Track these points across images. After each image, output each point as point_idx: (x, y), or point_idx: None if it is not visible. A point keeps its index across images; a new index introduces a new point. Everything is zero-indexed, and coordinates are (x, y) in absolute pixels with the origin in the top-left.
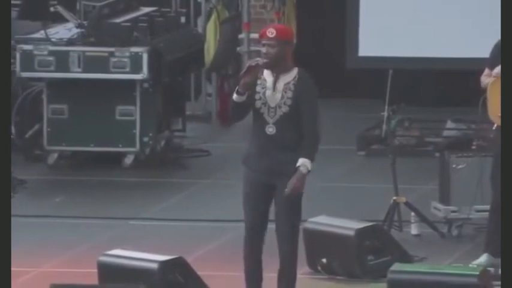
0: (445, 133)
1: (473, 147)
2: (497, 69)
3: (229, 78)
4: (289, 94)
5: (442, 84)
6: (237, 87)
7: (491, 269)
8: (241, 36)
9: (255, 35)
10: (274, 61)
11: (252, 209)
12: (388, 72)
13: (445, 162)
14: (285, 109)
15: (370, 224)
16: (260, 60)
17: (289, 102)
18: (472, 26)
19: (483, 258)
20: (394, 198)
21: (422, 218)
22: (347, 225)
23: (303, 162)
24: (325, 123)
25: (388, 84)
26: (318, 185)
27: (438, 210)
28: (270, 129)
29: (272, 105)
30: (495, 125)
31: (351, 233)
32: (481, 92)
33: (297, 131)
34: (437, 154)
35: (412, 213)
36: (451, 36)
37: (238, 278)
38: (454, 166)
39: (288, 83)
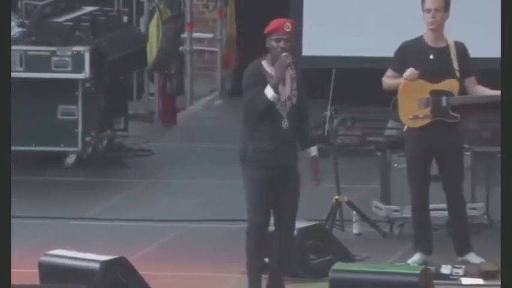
0: (387, 132)
1: None
2: (408, 72)
3: (172, 77)
4: (295, 85)
5: None
6: (272, 88)
7: (432, 268)
8: (183, 35)
9: (197, 35)
10: (292, 54)
11: (264, 206)
12: (331, 72)
13: (387, 161)
14: (294, 100)
15: (312, 223)
16: (288, 56)
17: (296, 93)
18: (414, 26)
19: (416, 257)
20: (336, 197)
21: (364, 217)
22: None
23: (314, 150)
24: None
25: (331, 84)
26: None
27: (380, 209)
28: (285, 123)
29: (283, 98)
30: (405, 127)
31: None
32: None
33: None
34: (378, 153)
35: (354, 213)
36: (394, 36)
37: (180, 278)
38: (395, 165)
39: (291, 75)
